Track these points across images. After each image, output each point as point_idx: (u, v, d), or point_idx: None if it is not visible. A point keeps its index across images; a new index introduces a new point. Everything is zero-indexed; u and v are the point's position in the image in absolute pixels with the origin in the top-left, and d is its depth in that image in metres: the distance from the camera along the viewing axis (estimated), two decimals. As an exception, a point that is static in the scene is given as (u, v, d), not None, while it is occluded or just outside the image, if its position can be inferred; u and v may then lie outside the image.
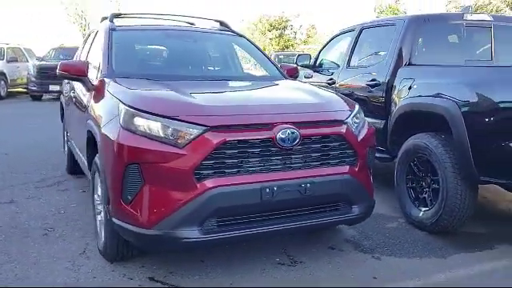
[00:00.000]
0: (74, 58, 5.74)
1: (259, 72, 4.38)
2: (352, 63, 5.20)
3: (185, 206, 2.61)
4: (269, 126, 2.75)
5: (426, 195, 3.88)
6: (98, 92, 3.48)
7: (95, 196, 3.42)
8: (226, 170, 2.66)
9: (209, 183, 2.62)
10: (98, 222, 3.35)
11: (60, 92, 6.90)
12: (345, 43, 5.56)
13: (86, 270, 3.10)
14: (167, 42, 4.32)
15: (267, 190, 2.71)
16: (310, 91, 3.45)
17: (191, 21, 4.94)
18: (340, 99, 3.31)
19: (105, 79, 3.51)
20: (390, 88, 4.39)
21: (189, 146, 2.61)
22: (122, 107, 2.82)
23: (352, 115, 3.12)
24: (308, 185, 2.81)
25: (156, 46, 4.38)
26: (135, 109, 2.76)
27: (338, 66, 5.75)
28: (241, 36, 4.74)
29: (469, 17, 4.54)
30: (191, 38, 4.46)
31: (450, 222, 3.62)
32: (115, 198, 2.77)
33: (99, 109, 3.22)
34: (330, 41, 6.06)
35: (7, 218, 4.07)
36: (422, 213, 3.86)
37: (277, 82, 3.89)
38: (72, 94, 4.45)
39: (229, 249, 3.34)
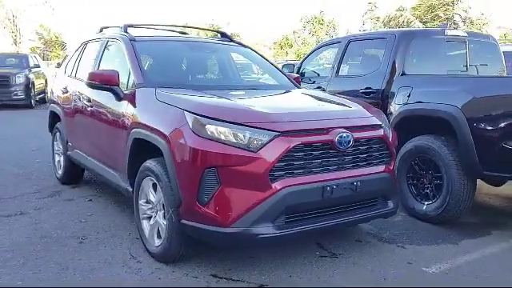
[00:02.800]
0: (64, 68, 5.71)
1: (270, 81, 4.65)
2: (341, 73, 5.62)
3: (260, 205, 2.84)
4: (327, 131, 3.06)
5: (428, 190, 4.36)
6: (137, 101, 3.61)
7: (141, 202, 3.53)
8: (295, 171, 2.93)
9: (281, 183, 2.87)
10: (147, 227, 3.48)
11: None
12: (330, 54, 6.00)
13: (147, 272, 3.22)
14: (188, 53, 4.50)
15: (328, 188, 3.01)
16: (339, 99, 3.80)
17: (194, 31, 5.12)
18: (369, 106, 3.70)
19: (144, 89, 3.65)
20: (386, 95, 4.86)
21: (262, 150, 2.85)
22: (190, 115, 3.00)
23: (384, 119, 3.52)
24: (359, 183, 3.15)
25: (179, 56, 4.52)
26: (206, 117, 2.96)
27: (319, 75, 6.20)
28: (246, 47, 5.01)
29: (449, 32, 5.13)
30: (208, 48, 4.68)
31: (456, 212, 4.12)
32: (189, 200, 2.94)
33: (153, 117, 3.34)
34: (312, 52, 6.46)
35: (30, 229, 4.04)
36: (425, 206, 4.34)
37: (300, 91, 4.22)
38: (87, 104, 4.46)
39: (267, 247, 3.57)
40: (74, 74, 5.28)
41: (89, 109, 4.43)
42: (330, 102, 3.74)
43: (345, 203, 3.20)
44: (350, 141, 3.08)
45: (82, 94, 4.67)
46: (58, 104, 5.48)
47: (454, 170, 4.07)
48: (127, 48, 4.12)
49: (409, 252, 3.66)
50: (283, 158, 2.88)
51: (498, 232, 4.17)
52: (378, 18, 51.34)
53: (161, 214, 3.31)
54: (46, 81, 17.65)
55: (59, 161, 5.61)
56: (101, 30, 5.32)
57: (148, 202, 3.47)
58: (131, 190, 3.72)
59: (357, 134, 3.16)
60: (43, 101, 17.08)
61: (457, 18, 47.24)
